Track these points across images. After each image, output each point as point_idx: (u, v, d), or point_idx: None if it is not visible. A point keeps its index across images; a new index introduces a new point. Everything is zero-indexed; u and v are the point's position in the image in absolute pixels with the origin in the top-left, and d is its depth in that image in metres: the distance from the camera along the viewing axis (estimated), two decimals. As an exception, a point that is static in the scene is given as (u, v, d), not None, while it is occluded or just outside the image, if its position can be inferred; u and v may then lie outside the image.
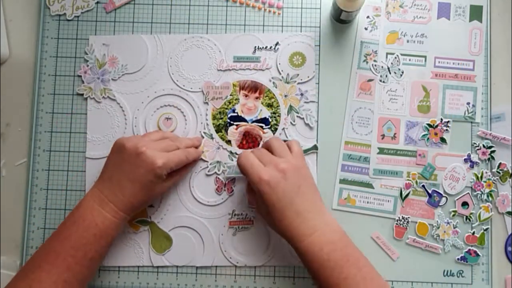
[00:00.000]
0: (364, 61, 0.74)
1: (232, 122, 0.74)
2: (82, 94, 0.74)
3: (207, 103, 0.74)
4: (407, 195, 0.73)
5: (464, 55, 0.74)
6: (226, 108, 0.74)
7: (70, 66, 0.75)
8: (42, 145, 0.74)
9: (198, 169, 0.73)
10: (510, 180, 0.72)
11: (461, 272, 0.72)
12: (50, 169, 0.74)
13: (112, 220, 0.64)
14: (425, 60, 0.74)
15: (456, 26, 0.74)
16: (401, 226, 0.72)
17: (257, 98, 0.74)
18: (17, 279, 0.62)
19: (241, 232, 0.73)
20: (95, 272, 0.72)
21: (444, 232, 0.72)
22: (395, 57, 0.74)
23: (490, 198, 0.72)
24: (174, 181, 0.70)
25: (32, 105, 0.75)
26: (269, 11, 0.75)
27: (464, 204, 0.72)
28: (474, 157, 0.73)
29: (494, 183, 0.72)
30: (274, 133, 0.73)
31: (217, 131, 0.74)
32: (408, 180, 0.73)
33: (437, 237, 0.72)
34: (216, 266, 0.73)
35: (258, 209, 0.66)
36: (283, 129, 0.74)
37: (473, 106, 0.73)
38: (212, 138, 0.74)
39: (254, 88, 0.74)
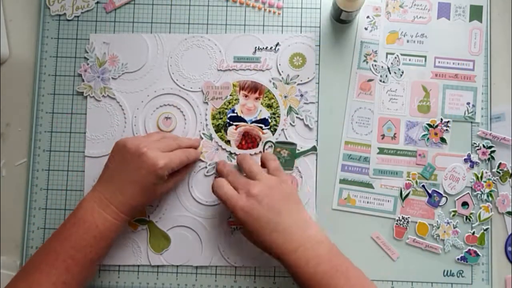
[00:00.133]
0: (364, 61, 0.74)
1: (231, 122, 0.74)
2: (82, 93, 0.74)
3: (206, 103, 0.74)
4: (407, 195, 0.73)
5: (464, 55, 0.74)
6: (226, 108, 0.74)
7: (70, 66, 0.75)
8: (42, 145, 0.74)
9: (197, 169, 0.73)
10: (510, 180, 0.72)
11: (461, 272, 0.72)
12: (50, 169, 0.74)
13: (113, 222, 0.64)
14: (425, 60, 0.74)
15: (456, 26, 0.74)
16: (401, 226, 0.72)
17: (257, 98, 0.74)
18: (17, 280, 0.62)
19: (239, 232, 0.73)
20: (94, 274, 0.72)
21: (444, 232, 0.72)
22: (395, 57, 0.74)
23: (490, 198, 0.72)
24: (175, 181, 0.70)
25: (32, 105, 0.75)
26: (269, 11, 0.75)
27: (464, 204, 0.72)
28: (474, 157, 0.73)
29: (494, 183, 0.72)
30: (273, 134, 0.73)
31: (216, 131, 0.74)
32: (408, 180, 0.73)
33: (437, 237, 0.72)
34: (216, 266, 0.73)
35: (241, 231, 0.67)
36: (283, 129, 0.74)
37: (473, 106, 0.73)
38: (211, 139, 0.74)
39: (254, 88, 0.74)
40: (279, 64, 0.74)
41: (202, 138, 0.73)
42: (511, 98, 0.73)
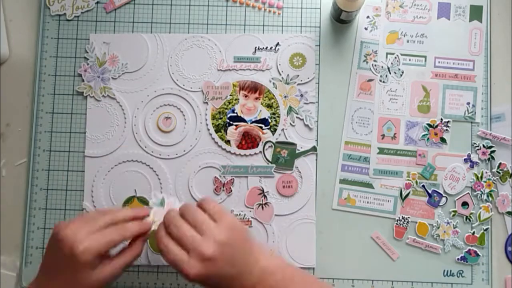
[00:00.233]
0: (364, 61, 0.74)
1: (231, 122, 0.74)
2: (82, 93, 0.74)
3: (206, 103, 0.74)
4: (407, 195, 0.73)
5: (464, 55, 0.74)
6: (226, 108, 0.74)
7: (70, 66, 0.75)
8: (42, 145, 0.74)
9: (197, 169, 0.73)
10: (510, 180, 0.72)
11: (461, 272, 0.72)
12: (50, 169, 0.74)
13: None
14: (425, 60, 0.74)
15: (456, 26, 0.74)
16: (401, 226, 0.72)
17: (256, 98, 0.74)
18: None
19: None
20: None
21: (444, 232, 0.72)
22: (395, 57, 0.74)
23: (490, 198, 0.72)
24: (115, 268, 0.57)
25: (32, 105, 0.75)
26: (269, 11, 0.75)
27: (464, 204, 0.72)
28: (474, 157, 0.73)
29: (494, 183, 0.72)
30: (273, 134, 0.73)
31: (216, 131, 0.74)
32: (408, 180, 0.73)
33: (437, 237, 0.72)
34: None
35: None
36: (283, 129, 0.74)
37: (473, 106, 0.73)
38: (163, 206, 0.63)
39: (254, 88, 0.74)
40: (279, 64, 0.74)
41: (151, 208, 0.62)
42: (511, 98, 0.73)
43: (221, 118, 0.74)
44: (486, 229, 0.72)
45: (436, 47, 0.74)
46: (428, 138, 0.73)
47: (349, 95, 0.74)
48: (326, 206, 0.73)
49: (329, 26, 0.75)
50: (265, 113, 0.74)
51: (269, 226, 0.73)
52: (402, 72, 0.74)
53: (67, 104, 0.75)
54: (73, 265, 0.53)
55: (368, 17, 0.75)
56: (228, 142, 0.74)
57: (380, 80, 0.74)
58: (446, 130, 0.73)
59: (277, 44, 0.75)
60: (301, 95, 0.74)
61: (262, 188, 0.73)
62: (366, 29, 0.75)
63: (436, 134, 0.73)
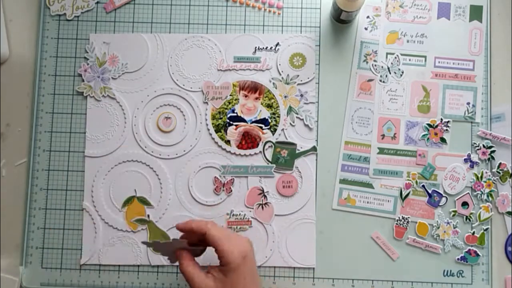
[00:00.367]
0: (364, 61, 0.74)
1: (231, 122, 0.74)
2: (82, 93, 0.74)
3: (206, 103, 0.74)
4: (407, 195, 0.73)
5: (464, 55, 0.74)
6: (226, 108, 0.74)
7: (70, 66, 0.75)
8: (42, 145, 0.74)
9: (197, 169, 0.73)
10: (510, 180, 0.72)
11: (461, 272, 0.72)
12: (50, 169, 0.74)
13: None
14: (425, 60, 0.74)
15: (456, 26, 0.74)
16: (401, 226, 0.72)
17: (256, 98, 0.74)
18: None
19: (239, 232, 0.73)
20: None
21: (444, 232, 0.72)
22: (395, 57, 0.74)
23: (490, 198, 0.72)
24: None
25: (32, 105, 0.75)
26: (269, 11, 0.75)
27: (464, 204, 0.72)
28: (474, 157, 0.73)
29: (494, 183, 0.72)
30: (273, 134, 0.73)
31: (216, 131, 0.74)
32: (408, 180, 0.73)
33: (437, 237, 0.72)
34: (216, 266, 0.72)
35: None
36: (283, 129, 0.74)
37: (473, 106, 0.73)
38: None
39: (254, 88, 0.74)
40: (279, 64, 0.74)
41: None
42: (511, 98, 0.73)
43: (221, 118, 0.74)
44: (486, 229, 0.72)
45: (436, 47, 0.74)
46: (428, 138, 0.73)
47: (349, 95, 0.74)
48: (326, 206, 0.73)
49: (329, 26, 0.75)
50: (265, 113, 0.74)
51: (269, 226, 0.73)
52: (402, 72, 0.74)
53: (67, 104, 0.75)
54: None
55: (368, 17, 0.75)
56: (228, 142, 0.74)
57: (380, 80, 0.74)
58: (446, 130, 0.73)
59: (277, 44, 0.75)
60: (301, 95, 0.74)
61: (262, 188, 0.73)
62: (366, 29, 0.75)
63: (436, 134, 0.73)
